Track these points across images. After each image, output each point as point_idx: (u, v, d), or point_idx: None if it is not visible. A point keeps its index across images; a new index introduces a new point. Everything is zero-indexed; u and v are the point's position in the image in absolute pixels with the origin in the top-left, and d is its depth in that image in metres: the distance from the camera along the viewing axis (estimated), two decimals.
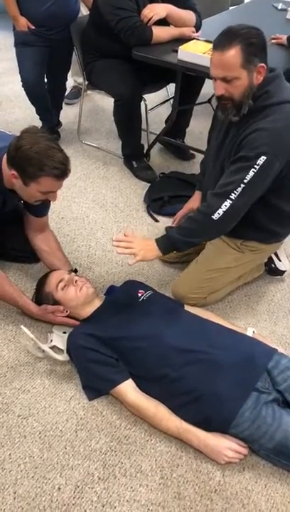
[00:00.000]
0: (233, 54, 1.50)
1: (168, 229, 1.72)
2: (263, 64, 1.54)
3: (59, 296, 1.76)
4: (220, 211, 1.57)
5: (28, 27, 2.56)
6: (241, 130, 1.64)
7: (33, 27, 2.57)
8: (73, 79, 3.52)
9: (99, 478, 1.45)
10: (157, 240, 1.74)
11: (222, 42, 1.52)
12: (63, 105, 3.24)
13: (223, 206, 1.57)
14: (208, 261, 1.93)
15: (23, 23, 2.56)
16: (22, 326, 1.70)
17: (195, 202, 2.14)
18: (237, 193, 1.55)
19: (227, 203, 1.56)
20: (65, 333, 1.79)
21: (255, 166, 1.53)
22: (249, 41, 1.51)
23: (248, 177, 1.54)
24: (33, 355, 1.77)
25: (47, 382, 1.71)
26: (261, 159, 1.53)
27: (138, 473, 1.46)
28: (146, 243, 1.75)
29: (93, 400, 1.64)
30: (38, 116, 3.06)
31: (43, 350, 1.71)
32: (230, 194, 1.56)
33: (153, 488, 1.43)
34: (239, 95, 1.57)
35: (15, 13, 2.55)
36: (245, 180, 1.54)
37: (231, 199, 1.56)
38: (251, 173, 1.53)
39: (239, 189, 1.55)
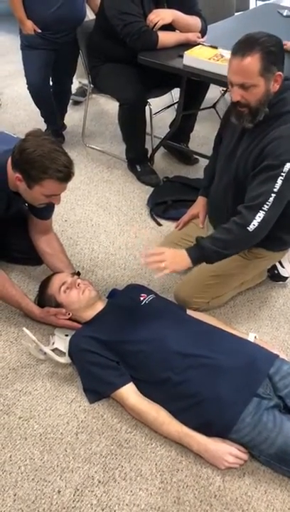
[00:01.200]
0: (253, 61, 1.51)
1: (199, 239, 1.68)
2: (280, 72, 1.55)
3: (61, 299, 1.76)
4: (255, 222, 1.57)
5: (34, 30, 2.58)
6: (258, 138, 1.65)
7: (40, 30, 2.59)
8: (78, 80, 3.54)
9: (99, 482, 1.45)
10: (188, 250, 1.68)
11: (242, 48, 1.53)
12: (68, 108, 3.25)
13: (257, 217, 1.57)
14: (212, 266, 1.92)
15: (30, 26, 2.58)
16: (24, 328, 1.71)
17: (198, 208, 2.14)
18: (270, 204, 1.56)
19: (261, 214, 1.57)
20: (67, 335, 1.79)
21: (282, 174, 1.54)
22: (269, 49, 1.51)
23: (277, 186, 1.54)
24: (35, 357, 1.77)
25: (48, 384, 1.71)
26: (287, 166, 1.53)
27: (138, 477, 1.46)
28: (176, 254, 1.69)
29: (94, 403, 1.64)
30: (43, 119, 3.08)
31: (45, 353, 1.72)
32: (263, 206, 1.56)
33: (153, 492, 1.43)
34: (255, 102, 1.58)
35: (22, 17, 2.57)
36: (275, 190, 1.55)
37: (264, 210, 1.56)
38: (279, 182, 1.54)
39: (271, 199, 1.55)
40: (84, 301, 1.74)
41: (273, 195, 1.55)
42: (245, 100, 1.59)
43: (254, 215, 1.57)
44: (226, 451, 1.44)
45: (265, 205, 1.56)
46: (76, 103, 3.56)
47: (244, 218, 1.60)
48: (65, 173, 1.59)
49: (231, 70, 1.57)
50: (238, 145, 1.75)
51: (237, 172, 1.76)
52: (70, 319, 1.78)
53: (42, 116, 3.06)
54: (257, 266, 1.96)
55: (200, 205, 2.13)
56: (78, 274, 1.92)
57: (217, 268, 1.90)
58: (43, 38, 2.62)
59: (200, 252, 1.66)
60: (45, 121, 3.08)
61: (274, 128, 1.60)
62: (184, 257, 1.67)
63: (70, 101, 3.28)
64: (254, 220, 1.57)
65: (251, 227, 1.58)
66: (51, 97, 2.95)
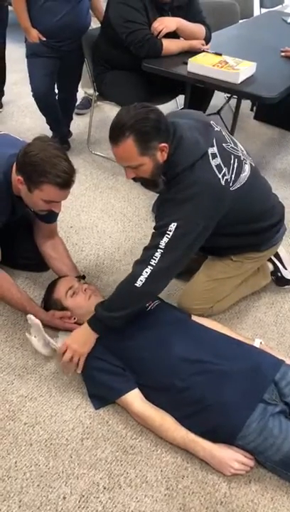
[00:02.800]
0: (127, 147, 1.48)
1: (97, 307, 1.63)
2: (164, 143, 1.51)
3: (67, 304, 1.77)
4: (142, 278, 1.54)
5: (39, 38, 2.61)
6: (162, 199, 1.66)
7: (44, 38, 2.61)
8: (83, 90, 3.57)
9: (105, 488, 1.44)
10: (89, 323, 1.63)
11: (114, 136, 1.50)
12: (74, 116, 3.28)
13: (144, 273, 1.54)
14: (208, 271, 1.93)
15: (34, 34, 2.60)
16: (30, 316, 1.68)
17: None
18: (157, 258, 1.54)
19: (148, 269, 1.54)
20: None
21: (168, 232, 1.52)
22: (141, 130, 1.47)
23: (163, 243, 1.53)
24: (37, 352, 1.75)
25: (53, 390, 1.71)
26: (172, 226, 1.52)
27: (143, 483, 1.46)
28: (79, 336, 1.65)
29: (99, 409, 1.64)
30: (48, 127, 3.10)
31: (50, 346, 1.71)
32: (150, 260, 1.54)
33: (159, 499, 1.42)
34: (149, 176, 1.58)
35: (27, 25, 2.59)
36: (161, 246, 1.53)
37: (151, 265, 1.54)
38: (165, 239, 1.53)
39: (157, 254, 1.54)
40: (90, 306, 1.73)
41: (159, 250, 1.53)
42: (139, 176, 1.59)
43: (141, 271, 1.55)
44: (232, 457, 1.43)
45: (152, 260, 1.54)
46: (79, 115, 3.59)
47: (132, 275, 1.58)
48: (64, 179, 1.58)
49: (114, 156, 1.57)
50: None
51: None
52: (75, 323, 1.78)
53: (47, 123, 3.08)
54: (253, 266, 1.96)
55: None
56: (83, 277, 1.92)
57: (213, 272, 1.91)
58: (48, 46, 2.65)
59: (100, 322, 1.62)
60: (50, 129, 3.10)
61: (171, 188, 1.59)
62: (87, 335, 1.63)
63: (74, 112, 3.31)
64: (141, 276, 1.54)
65: (138, 283, 1.54)
66: (56, 104, 2.97)
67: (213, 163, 1.58)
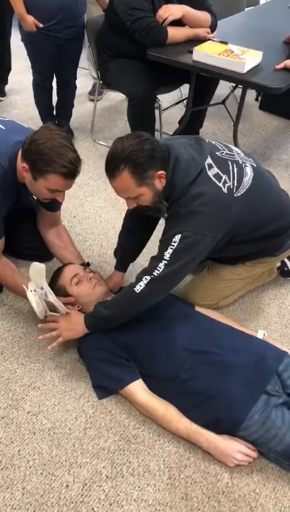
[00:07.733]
0: (123, 180, 1.49)
1: (97, 304, 1.69)
2: (161, 171, 1.51)
3: (72, 291, 1.77)
4: (142, 284, 1.57)
5: (35, 26, 2.54)
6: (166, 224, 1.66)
7: (41, 25, 2.55)
8: (92, 76, 3.55)
9: (107, 477, 1.45)
10: (85, 316, 1.68)
11: (109, 169, 1.51)
12: (77, 104, 3.23)
13: (144, 279, 1.57)
14: (219, 271, 1.91)
15: (30, 22, 2.53)
16: (35, 263, 1.69)
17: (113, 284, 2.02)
18: (160, 269, 1.55)
19: (148, 277, 1.56)
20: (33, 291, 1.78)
21: (172, 244, 1.53)
22: (135, 162, 1.46)
23: (167, 254, 1.54)
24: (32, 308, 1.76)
25: (57, 379, 1.71)
26: (177, 237, 1.53)
27: (145, 472, 1.47)
28: (71, 321, 1.70)
29: (102, 399, 1.65)
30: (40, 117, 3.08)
31: (43, 307, 1.73)
32: (153, 271, 1.56)
33: (161, 488, 1.43)
34: (150, 204, 1.57)
35: (23, 12, 2.53)
36: (165, 257, 1.54)
37: (152, 275, 1.56)
38: (169, 250, 1.54)
39: (161, 265, 1.55)
40: (94, 295, 1.74)
41: (164, 261, 1.55)
42: (140, 206, 1.59)
43: (142, 277, 1.58)
44: (235, 448, 1.44)
45: (155, 271, 1.56)
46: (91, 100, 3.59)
47: (136, 279, 1.61)
48: (70, 170, 1.57)
49: (113, 189, 1.57)
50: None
51: None
52: (78, 311, 1.78)
53: (40, 114, 3.05)
54: (264, 269, 1.96)
55: (116, 280, 2.03)
56: (88, 264, 1.92)
57: (224, 273, 1.90)
58: (46, 35, 2.59)
59: (94, 316, 1.66)
60: (42, 120, 3.07)
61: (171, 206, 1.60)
62: (80, 322, 1.67)
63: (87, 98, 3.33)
64: (141, 282, 1.57)
65: (137, 288, 1.57)
66: (51, 95, 2.95)
67: (210, 173, 1.57)
